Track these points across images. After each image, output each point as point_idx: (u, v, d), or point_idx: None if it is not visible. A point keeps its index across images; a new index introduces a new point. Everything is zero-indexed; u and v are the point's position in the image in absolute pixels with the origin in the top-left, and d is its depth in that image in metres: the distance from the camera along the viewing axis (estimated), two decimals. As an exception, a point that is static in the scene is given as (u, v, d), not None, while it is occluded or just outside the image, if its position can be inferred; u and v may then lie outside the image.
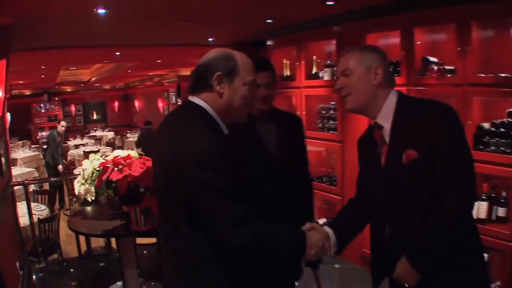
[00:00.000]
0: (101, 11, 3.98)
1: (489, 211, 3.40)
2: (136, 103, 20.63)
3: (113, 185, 3.42)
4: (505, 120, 3.28)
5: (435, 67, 3.69)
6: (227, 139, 1.80)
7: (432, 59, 3.80)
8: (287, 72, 5.56)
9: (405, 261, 1.84)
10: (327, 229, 2.12)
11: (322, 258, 2.75)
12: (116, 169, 3.41)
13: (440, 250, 1.80)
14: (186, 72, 12.29)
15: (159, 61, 9.59)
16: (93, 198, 3.95)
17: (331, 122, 5.02)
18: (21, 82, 12.96)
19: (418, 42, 3.89)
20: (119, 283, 4.29)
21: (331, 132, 4.97)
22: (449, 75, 3.60)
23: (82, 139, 14.58)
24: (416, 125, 1.83)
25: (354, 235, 2.21)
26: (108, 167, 3.46)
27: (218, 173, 1.63)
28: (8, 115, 4.74)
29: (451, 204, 1.77)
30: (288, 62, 5.55)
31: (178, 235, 1.74)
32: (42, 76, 11.62)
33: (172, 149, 1.70)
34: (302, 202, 2.85)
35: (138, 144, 11.04)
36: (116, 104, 21.41)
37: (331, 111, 5.05)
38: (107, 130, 17.52)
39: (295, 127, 2.84)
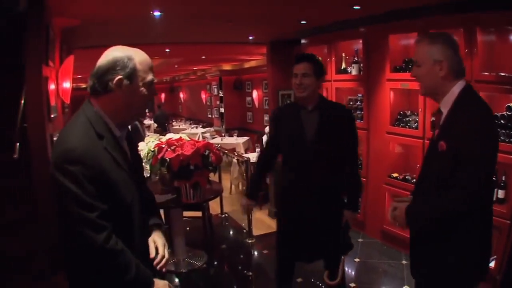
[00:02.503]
0: (156, 13, 4.52)
1: (491, 193, 3.77)
2: (181, 95, 21.41)
3: (166, 163, 4.02)
4: (505, 113, 3.66)
5: (446, 65, 4.08)
6: (115, 139, 1.78)
7: (444, 58, 4.18)
8: (319, 68, 6.00)
9: (403, 207, 2.16)
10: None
11: (352, 245, 3.14)
12: (169, 149, 4.01)
13: (426, 219, 2.08)
14: (227, 67, 13.04)
15: (203, 57, 10.07)
16: (148, 176, 4.58)
17: (358, 112, 5.47)
18: (79, 76, 13.83)
19: (432, 43, 4.29)
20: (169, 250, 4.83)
21: (358, 121, 5.36)
22: (458, 72, 4.01)
23: (132, 127, 15.52)
24: (456, 124, 1.99)
25: None
26: (163, 147, 4.08)
27: (75, 180, 1.58)
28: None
29: (448, 196, 1.97)
30: (320, 58, 5.92)
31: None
32: (98, 71, 12.35)
33: (54, 147, 1.72)
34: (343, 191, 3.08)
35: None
36: (163, 95, 22.28)
37: (358, 102, 5.52)
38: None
39: (339, 118, 2.96)
